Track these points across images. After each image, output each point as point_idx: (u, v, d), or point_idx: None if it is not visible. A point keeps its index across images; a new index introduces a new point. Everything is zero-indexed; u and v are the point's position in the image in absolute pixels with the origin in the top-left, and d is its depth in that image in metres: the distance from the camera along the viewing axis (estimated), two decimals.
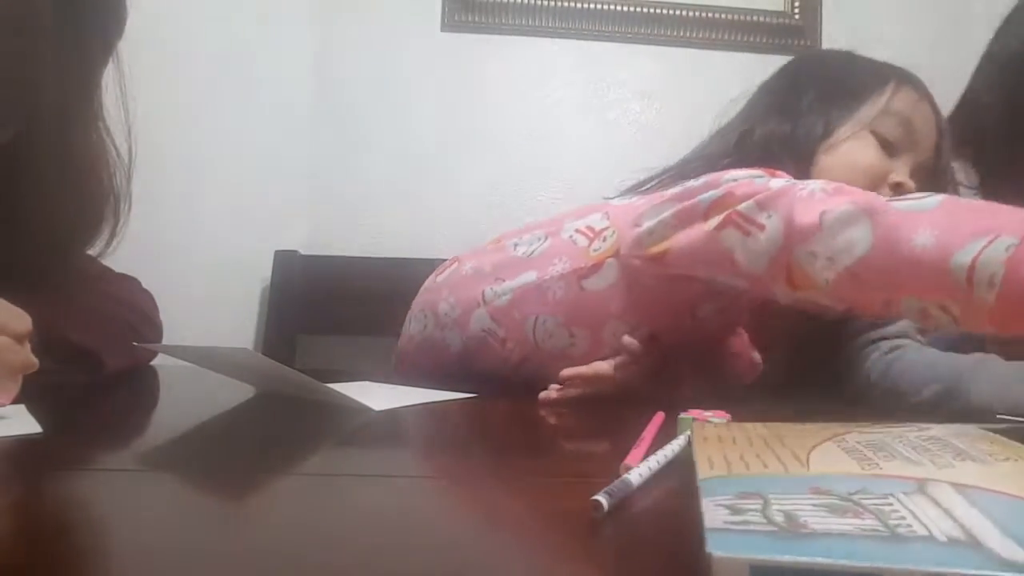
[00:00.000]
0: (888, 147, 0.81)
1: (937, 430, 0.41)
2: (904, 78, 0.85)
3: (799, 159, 0.80)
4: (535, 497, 0.41)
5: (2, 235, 0.62)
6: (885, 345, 0.80)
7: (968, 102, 0.89)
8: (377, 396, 0.68)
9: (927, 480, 0.31)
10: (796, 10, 1.49)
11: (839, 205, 0.60)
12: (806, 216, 0.61)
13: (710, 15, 1.46)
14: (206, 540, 0.31)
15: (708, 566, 0.25)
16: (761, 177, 0.70)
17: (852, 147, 0.81)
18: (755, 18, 1.47)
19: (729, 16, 1.47)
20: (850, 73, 0.88)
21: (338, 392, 0.64)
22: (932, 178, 0.82)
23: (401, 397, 0.71)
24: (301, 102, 1.38)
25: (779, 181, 0.68)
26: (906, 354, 0.78)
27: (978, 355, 0.75)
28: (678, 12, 1.46)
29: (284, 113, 1.36)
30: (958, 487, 0.30)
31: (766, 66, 1.53)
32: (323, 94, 1.40)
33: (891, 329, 0.81)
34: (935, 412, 0.70)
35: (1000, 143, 0.84)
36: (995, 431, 0.47)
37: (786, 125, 0.84)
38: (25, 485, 0.39)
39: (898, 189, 0.80)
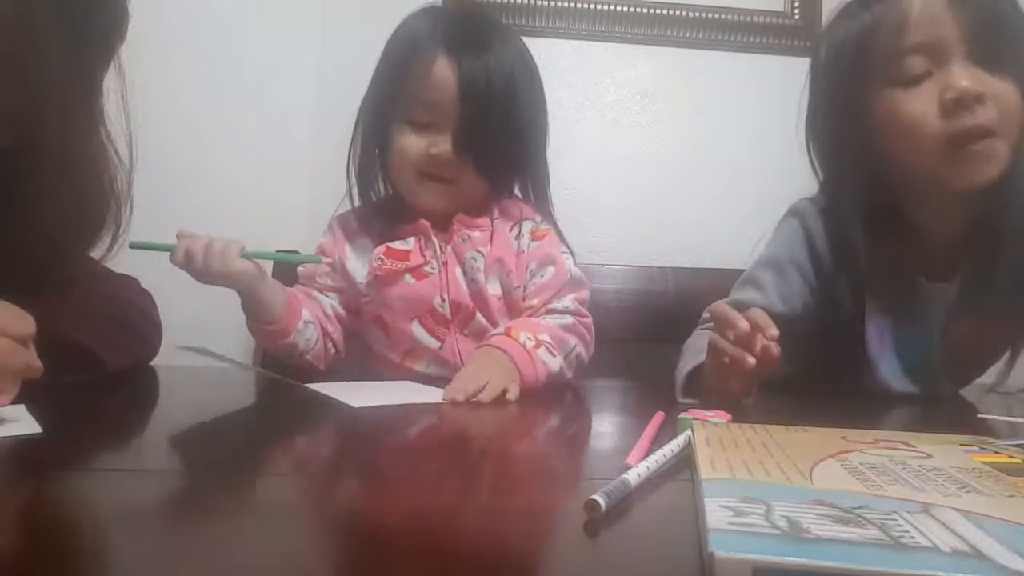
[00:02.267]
0: (422, 128, 0.90)
1: (938, 460, 0.40)
2: (425, 55, 0.89)
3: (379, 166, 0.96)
4: (534, 497, 0.41)
5: (2, 238, 0.62)
6: (697, 331, 0.91)
7: (807, 112, 0.94)
8: (361, 394, 0.69)
9: (932, 504, 0.31)
10: (796, 10, 1.48)
11: None
12: None
13: (710, 15, 1.46)
14: (205, 540, 0.31)
15: (710, 566, 0.24)
16: None
17: (397, 145, 0.91)
18: (755, 18, 1.47)
19: (729, 16, 1.47)
20: (384, 74, 0.95)
21: (321, 393, 0.67)
22: (472, 129, 0.88)
23: (389, 395, 0.72)
24: (301, 102, 1.38)
25: None
26: (690, 338, 0.89)
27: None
28: (678, 12, 1.46)
29: (284, 113, 1.36)
30: (963, 512, 0.30)
31: (766, 66, 1.54)
32: (323, 94, 1.39)
33: (708, 322, 0.88)
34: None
35: (827, 145, 0.91)
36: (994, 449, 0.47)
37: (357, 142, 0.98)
38: (25, 485, 0.39)
39: (433, 160, 0.89)
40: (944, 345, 0.88)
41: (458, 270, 0.93)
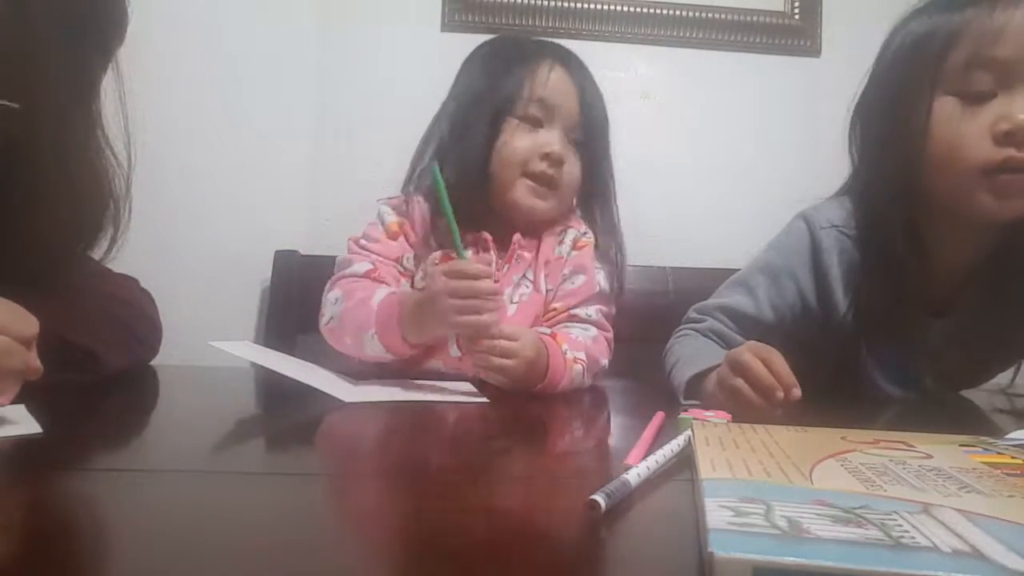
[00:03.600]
0: (536, 124, 0.92)
1: (938, 460, 0.41)
2: (540, 60, 0.93)
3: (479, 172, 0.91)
4: (534, 497, 0.41)
5: (2, 240, 0.62)
6: (682, 329, 0.90)
7: (861, 94, 0.90)
8: (353, 389, 0.70)
9: (932, 504, 0.31)
10: (796, 10, 1.48)
11: None
12: None
13: (710, 15, 1.46)
14: (206, 540, 0.31)
15: (710, 566, 0.24)
16: None
17: (509, 141, 0.91)
18: (755, 18, 1.47)
19: (729, 16, 1.47)
20: (486, 74, 0.95)
21: (314, 386, 0.67)
22: (584, 139, 0.94)
23: (380, 392, 0.72)
24: (301, 102, 1.38)
25: None
26: (680, 338, 0.88)
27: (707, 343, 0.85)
28: (678, 12, 1.46)
29: (284, 113, 1.36)
30: (963, 512, 0.30)
31: (766, 66, 1.54)
32: (323, 94, 1.40)
33: (701, 324, 0.88)
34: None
35: (873, 138, 0.87)
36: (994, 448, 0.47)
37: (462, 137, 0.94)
38: (25, 485, 0.39)
39: (547, 158, 0.91)
40: (934, 372, 0.87)
41: (508, 291, 0.93)
